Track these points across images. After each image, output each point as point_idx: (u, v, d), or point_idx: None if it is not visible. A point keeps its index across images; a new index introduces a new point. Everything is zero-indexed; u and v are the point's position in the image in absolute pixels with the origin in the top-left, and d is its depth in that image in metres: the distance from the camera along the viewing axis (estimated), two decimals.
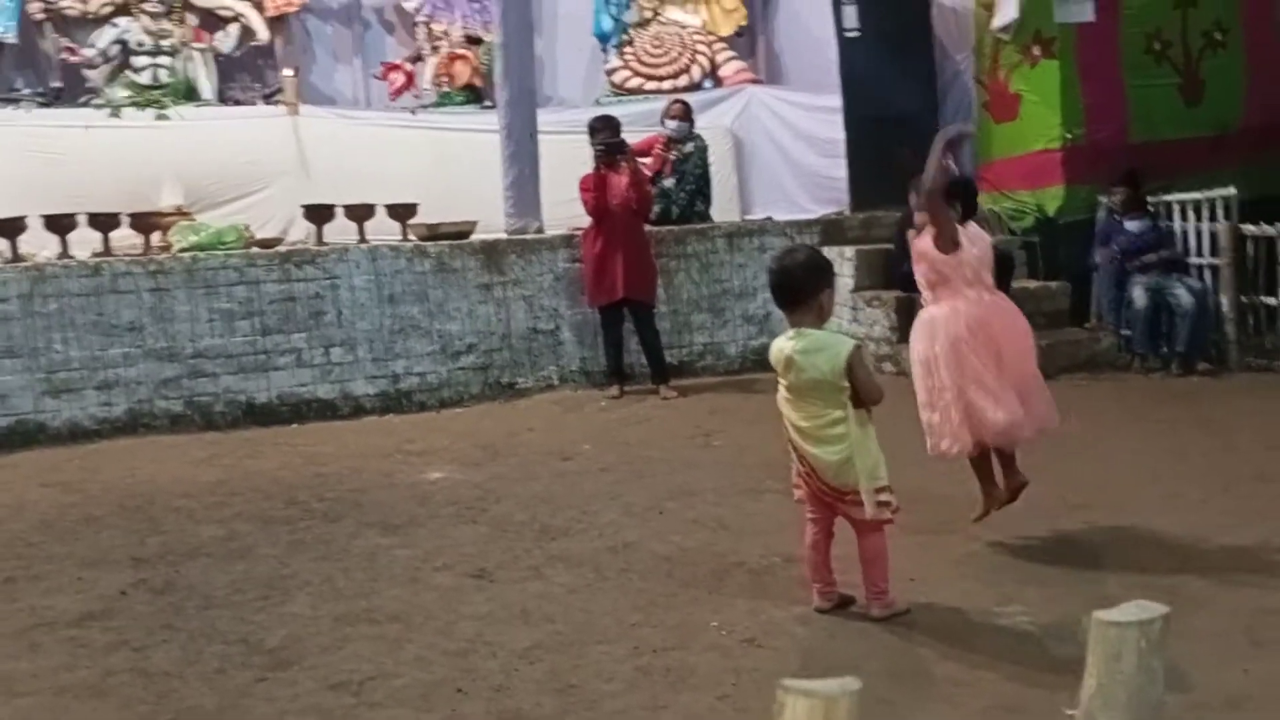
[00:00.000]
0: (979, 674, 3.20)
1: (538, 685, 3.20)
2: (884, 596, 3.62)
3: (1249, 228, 7.65)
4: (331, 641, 3.56)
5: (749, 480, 5.14)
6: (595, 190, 7.19)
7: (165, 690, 3.26)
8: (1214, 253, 7.72)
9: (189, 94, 9.53)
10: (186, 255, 6.98)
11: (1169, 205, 8.01)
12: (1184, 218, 7.95)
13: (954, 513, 4.55)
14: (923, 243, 4.29)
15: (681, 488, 5.13)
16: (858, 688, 1.19)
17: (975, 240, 4.34)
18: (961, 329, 4.21)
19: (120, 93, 9.33)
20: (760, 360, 7.99)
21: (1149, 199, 7.97)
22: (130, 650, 3.54)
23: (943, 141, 4.44)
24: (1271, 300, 7.59)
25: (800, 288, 3.62)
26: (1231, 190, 7.76)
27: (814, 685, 1.19)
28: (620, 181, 7.22)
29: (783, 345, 3.62)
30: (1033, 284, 8.24)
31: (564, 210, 7.80)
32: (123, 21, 9.57)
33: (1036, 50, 8.48)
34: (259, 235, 7.74)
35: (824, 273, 3.70)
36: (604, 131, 7.38)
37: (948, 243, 4.22)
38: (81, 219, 7.08)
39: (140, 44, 9.53)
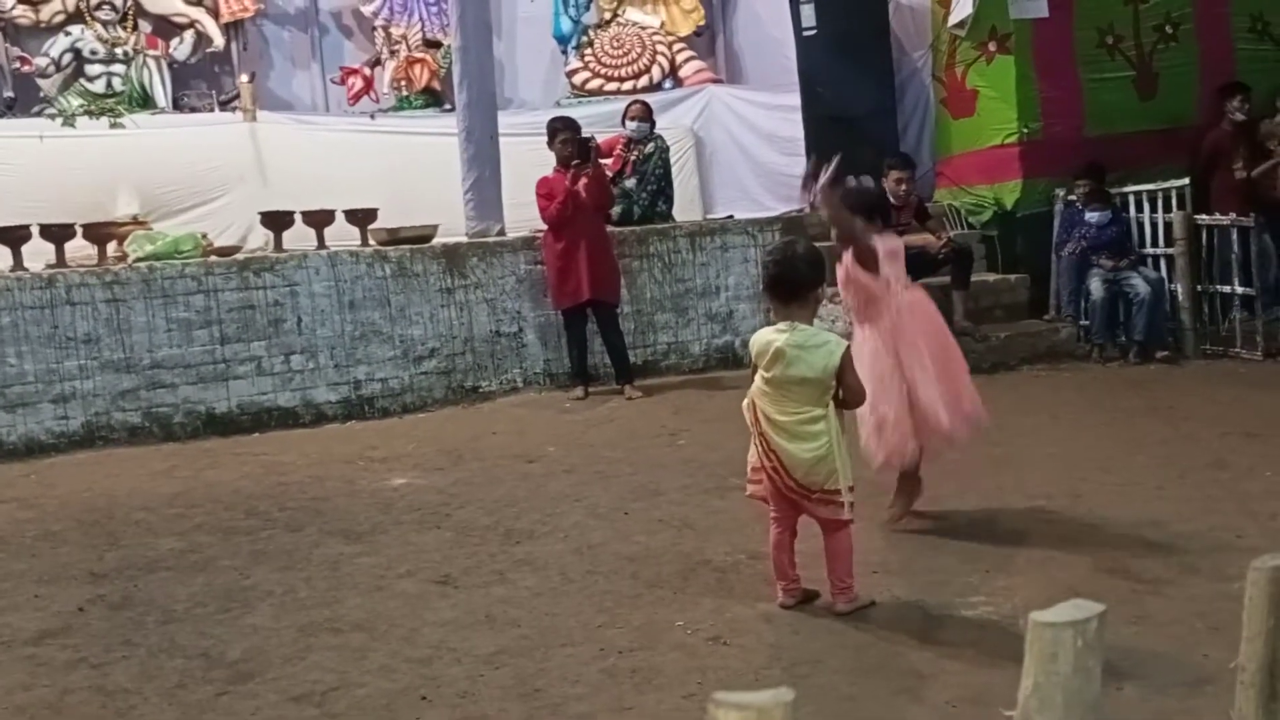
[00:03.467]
0: (944, 665, 3.22)
1: (503, 691, 3.18)
2: (849, 592, 3.62)
3: (1203, 218, 7.76)
4: (294, 652, 3.52)
5: (714, 479, 5.14)
6: (563, 201, 7.14)
7: (124, 707, 3.21)
8: (1169, 243, 7.82)
9: (144, 102, 9.43)
10: (143, 265, 6.89)
11: (1124, 196, 8.10)
12: (1139, 209, 8.05)
13: (918, 504, 4.57)
14: (848, 270, 4.24)
15: (646, 488, 5.13)
16: (791, 698, 1.19)
17: (885, 243, 4.29)
18: (893, 355, 4.22)
19: (74, 101, 9.22)
20: (724, 358, 8.09)
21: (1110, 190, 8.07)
22: (89, 667, 3.49)
23: (826, 189, 4.27)
24: (1226, 289, 7.70)
25: (802, 280, 3.59)
26: (1185, 181, 7.87)
27: (746, 698, 1.18)
28: (580, 182, 7.20)
29: (772, 337, 3.56)
30: (992, 277, 8.33)
31: (525, 212, 7.77)
32: (75, 30, 9.46)
33: (992, 46, 8.56)
34: (217, 243, 7.66)
35: (823, 267, 3.69)
36: (564, 132, 7.37)
37: (874, 268, 4.21)
38: (34, 230, 6.98)
39: (94, 52, 9.42)
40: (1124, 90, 8.70)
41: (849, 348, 3.58)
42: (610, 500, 4.96)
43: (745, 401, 3.71)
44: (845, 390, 3.55)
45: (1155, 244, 7.95)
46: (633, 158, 8.36)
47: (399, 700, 3.16)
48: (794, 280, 3.59)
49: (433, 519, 4.85)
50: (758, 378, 3.63)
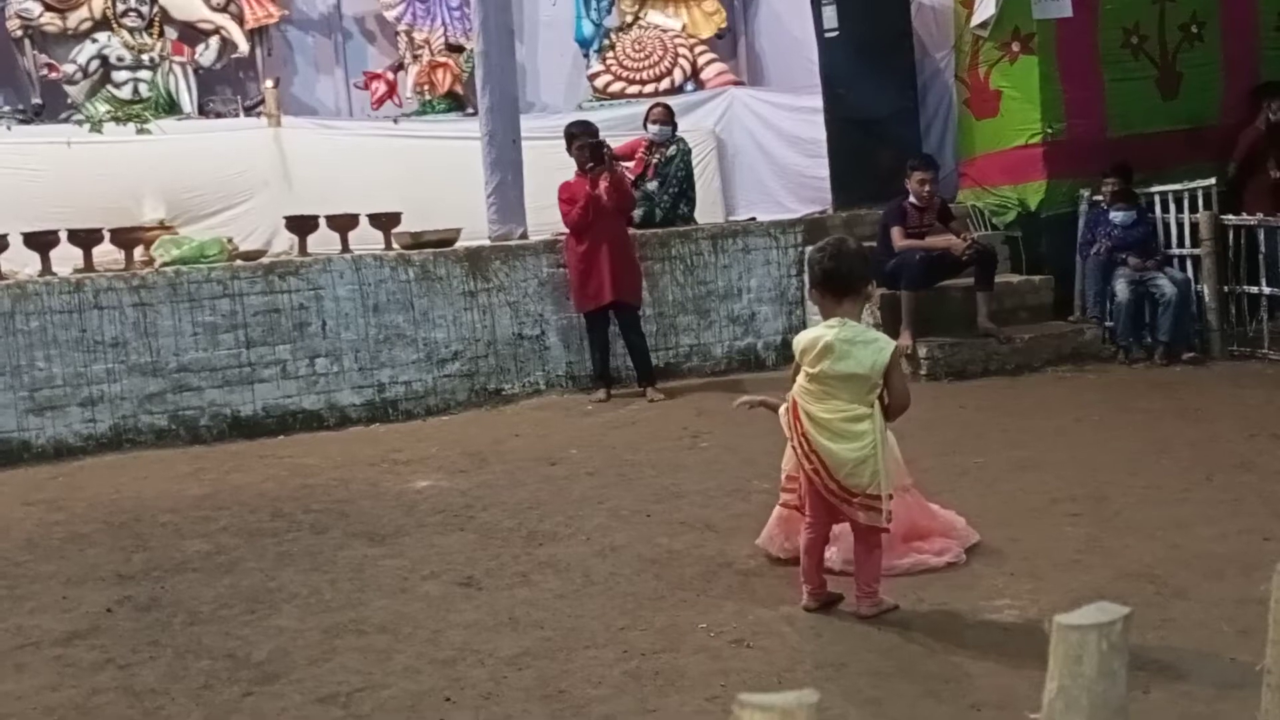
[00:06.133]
0: (968, 668, 3.21)
1: (526, 692, 3.20)
2: (874, 596, 3.61)
3: (1229, 218, 7.69)
4: (319, 654, 3.54)
5: (736, 481, 5.14)
6: (584, 205, 7.16)
7: (152, 708, 3.25)
8: (1195, 243, 7.76)
9: (170, 107, 9.51)
10: (169, 269, 6.95)
11: (1150, 197, 8.05)
12: (1165, 209, 7.99)
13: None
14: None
15: (668, 490, 5.13)
16: (815, 700, 1.19)
17: None
18: None
19: (101, 107, 9.30)
20: (746, 360, 8.09)
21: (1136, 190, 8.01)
22: (116, 668, 3.53)
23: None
24: (1253, 289, 7.64)
25: (855, 275, 3.59)
26: (1212, 181, 7.81)
27: (771, 699, 1.19)
28: (600, 186, 7.22)
29: (821, 332, 3.54)
30: (1016, 278, 8.28)
31: (547, 215, 7.79)
32: (102, 36, 9.53)
33: (1015, 46, 8.51)
34: (242, 247, 7.72)
35: (870, 264, 3.72)
36: (582, 136, 7.38)
37: None
38: (62, 235, 7.05)
39: (120, 59, 9.50)
40: (1147, 90, 8.64)
41: (898, 347, 3.56)
42: (632, 502, 4.97)
43: (783, 407, 3.69)
44: (891, 392, 3.52)
45: (1181, 244, 7.88)
46: (654, 160, 8.36)
47: (423, 701, 3.18)
48: (847, 275, 3.57)
49: (456, 521, 4.87)
50: (800, 376, 3.60)
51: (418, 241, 7.59)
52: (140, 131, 9.06)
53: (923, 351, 7.37)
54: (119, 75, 9.48)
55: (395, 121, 9.79)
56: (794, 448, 3.62)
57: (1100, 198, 8.02)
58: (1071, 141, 8.39)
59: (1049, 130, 8.39)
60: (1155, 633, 3.29)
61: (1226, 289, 7.67)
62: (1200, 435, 5.62)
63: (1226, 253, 7.65)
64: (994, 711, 2.94)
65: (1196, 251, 7.74)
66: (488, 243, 7.77)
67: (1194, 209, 7.81)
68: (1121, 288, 7.60)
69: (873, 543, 3.61)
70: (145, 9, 9.60)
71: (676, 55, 10.44)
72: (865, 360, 3.48)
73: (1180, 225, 7.90)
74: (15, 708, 3.30)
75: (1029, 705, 2.92)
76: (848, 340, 3.50)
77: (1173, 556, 3.95)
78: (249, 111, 9.66)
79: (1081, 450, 5.45)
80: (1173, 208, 7.94)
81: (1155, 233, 7.91)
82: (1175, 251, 7.90)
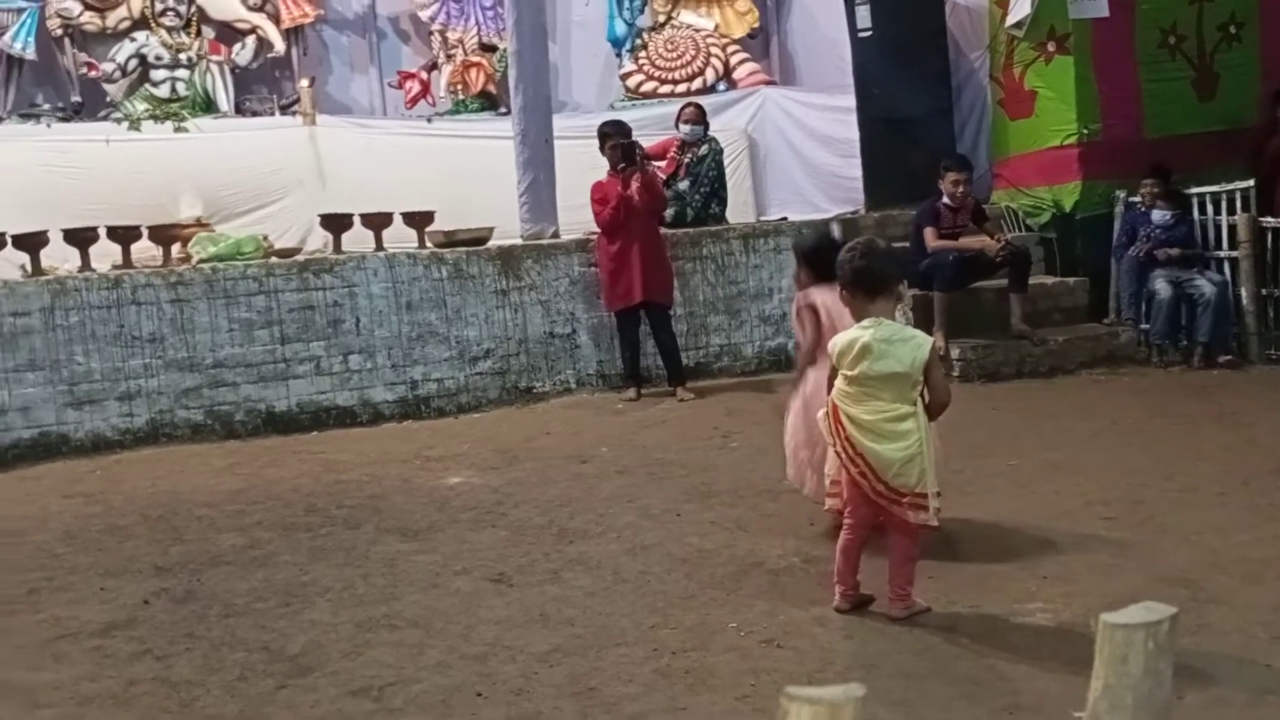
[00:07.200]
0: (1000, 671, 3.20)
1: (557, 689, 3.21)
2: (907, 599, 3.60)
3: (1268, 220, 7.60)
4: (352, 647, 3.58)
5: (766, 481, 5.12)
6: (616, 205, 7.18)
7: (188, 699, 3.29)
8: (1233, 245, 7.67)
9: (206, 106, 9.60)
10: (206, 266, 7.03)
11: (1188, 198, 7.96)
12: (1202, 210, 7.90)
13: (974, 510, 4.54)
14: (799, 305, 4.32)
15: (699, 489, 5.14)
16: (862, 694, 1.19)
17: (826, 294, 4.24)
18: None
19: (139, 106, 9.41)
20: (777, 361, 8.07)
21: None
22: (153, 659, 3.57)
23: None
24: None
25: (888, 274, 3.59)
26: (1250, 183, 7.72)
27: (818, 692, 1.19)
28: (632, 186, 7.23)
29: (857, 334, 3.51)
30: (1050, 280, 8.22)
31: (579, 215, 7.81)
32: (141, 36, 9.64)
33: (1051, 46, 8.45)
34: (277, 245, 7.79)
35: (902, 263, 3.72)
36: (615, 136, 7.40)
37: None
38: (101, 232, 7.14)
39: (158, 58, 9.60)
40: (1183, 91, 8.56)
41: (935, 344, 3.55)
42: (663, 501, 4.97)
43: (821, 412, 3.68)
44: (931, 389, 3.49)
45: (1219, 246, 7.80)
46: (686, 160, 8.37)
47: (455, 696, 3.20)
48: (878, 273, 3.57)
49: (488, 518, 4.90)
50: (839, 379, 3.57)
51: (451, 240, 7.63)
52: (178, 130, 9.16)
53: (956, 353, 7.34)
54: (157, 74, 9.58)
55: (429, 121, 9.83)
56: (837, 453, 3.59)
57: (1137, 199, 7.95)
58: (1107, 142, 8.32)
59: (1084, 131, 8.33)
60: (1190, 638, 3.26)
61: (1264, 292, 7.58)
62: (1237, 440, 5.56)
63: (1265, 255, 7.56)
64: (1028, 714, 2.93)
65: (1234, 254, 7.65)
66: (520, 242, 7.80)
67: (1231, 211, 7.73)
68: (1162, 286, 7.52)
69: (912, 542, 3.59)
70: (183, 8, 9.70)
71: (709, 55, 10.42)
72: (905, 358, 3.46)
73: (1217, 227, 7.81)
74: (54, 697, 3.35)
75: (1063, 708, 2.91)
76: (885, 339, 3.47)
77: (1208, 561, 3.92)
78: (285, 110, 9.74)
79: (1116, 453, 5.41)
80: (1210, 209, 7.86)
81: (1194, 233, 7.82)
82: (1212, 253, 7.81)
